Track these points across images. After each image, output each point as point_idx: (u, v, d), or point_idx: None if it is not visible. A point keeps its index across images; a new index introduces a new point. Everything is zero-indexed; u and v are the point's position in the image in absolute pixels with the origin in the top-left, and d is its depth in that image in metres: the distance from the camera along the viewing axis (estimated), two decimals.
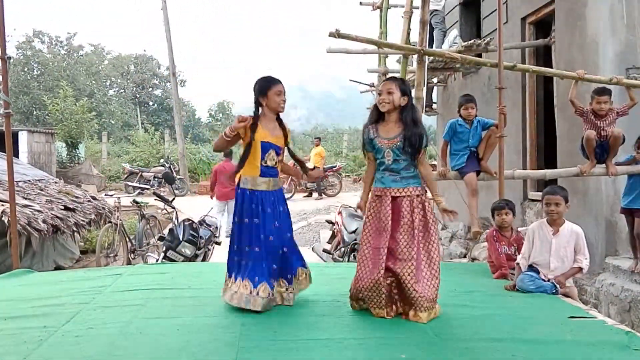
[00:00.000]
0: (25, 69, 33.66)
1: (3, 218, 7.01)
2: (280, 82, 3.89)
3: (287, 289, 3.89)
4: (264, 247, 3.75)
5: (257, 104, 3.87)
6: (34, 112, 31.99)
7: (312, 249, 9.11)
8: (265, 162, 3.82)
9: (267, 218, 3.78)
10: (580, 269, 4.37)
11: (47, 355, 3.02)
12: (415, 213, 3.66)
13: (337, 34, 6.03)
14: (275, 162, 3.87)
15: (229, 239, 3.98)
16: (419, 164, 3.81)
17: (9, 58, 5.29)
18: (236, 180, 3.88)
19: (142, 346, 3.16)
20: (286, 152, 4.07)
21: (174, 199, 9.30)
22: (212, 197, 10.48)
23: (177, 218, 8.20)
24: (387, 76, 4.68)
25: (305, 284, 4.06)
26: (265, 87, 3.84)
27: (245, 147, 3.81)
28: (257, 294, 3.69)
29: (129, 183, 19.56)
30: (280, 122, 3.95)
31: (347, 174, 22.67)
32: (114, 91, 41.37)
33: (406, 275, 3.60)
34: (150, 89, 41.95)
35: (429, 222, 3.70)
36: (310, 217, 14.99)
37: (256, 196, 3.78)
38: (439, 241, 3.77)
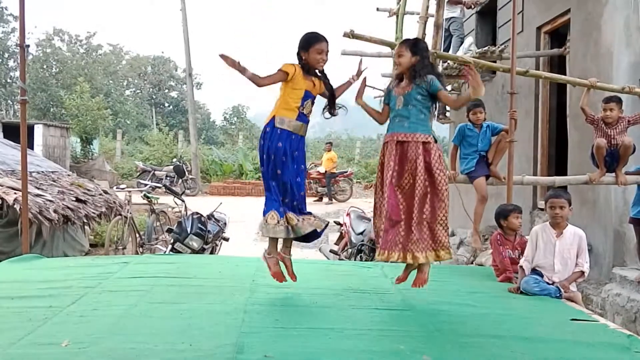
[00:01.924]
0: (44, 66, 33.92)
1: (15, 206, 7.10)
2: (325, 41, 3.91)
3: (297, 220, 3.90)
4: (281, 180, 3.86)
5: (299, 57, 3.92)
6: (51, 109, 32.24)
7: (319, 249, 9.12)
8: (303, 109, 3.89)
9: (290, 157, 3.86)
10: (583, 272, 4.37)
11: (52, 332, 3.08)
12: (419, 159, 3.70)
13: (351, 35, 6.08)
14: (309, 112, 3.96)
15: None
16: (444, 101, 4.04)
17: (27, 46, 5.40)
18: (268, 120, 3.93)
19: (144, 327, 3.21)
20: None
21: (183, 192, 9.35)
22: None
23: (186, 210, 8.25)
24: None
25: (318, 223, 4.03)
26: (308, 43, 3.89)
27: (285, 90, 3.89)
28: (266, 221, 3.84)
29: (141, 181, 19.70)
30: (322, 73, 4.01)
31: (358, 181, 22.72)
32: (131, 91, 41.66)
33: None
34: (167, 91, 42.19)
35: (434, 168, 3.73)
36: None
37: (287, 136, 3.85)
38: (447, 190, 3.78)
